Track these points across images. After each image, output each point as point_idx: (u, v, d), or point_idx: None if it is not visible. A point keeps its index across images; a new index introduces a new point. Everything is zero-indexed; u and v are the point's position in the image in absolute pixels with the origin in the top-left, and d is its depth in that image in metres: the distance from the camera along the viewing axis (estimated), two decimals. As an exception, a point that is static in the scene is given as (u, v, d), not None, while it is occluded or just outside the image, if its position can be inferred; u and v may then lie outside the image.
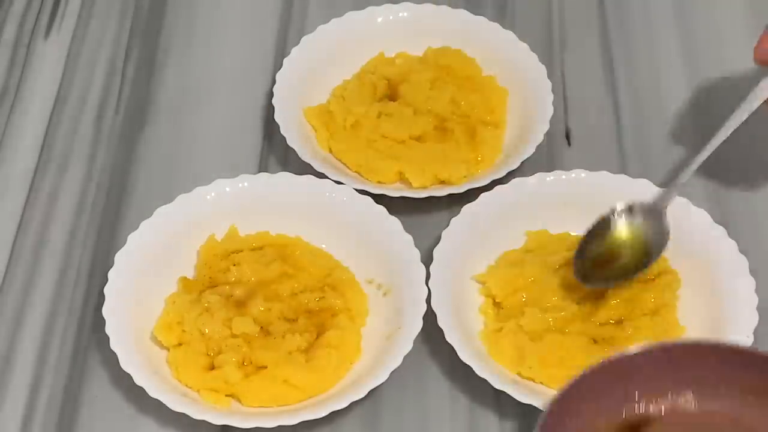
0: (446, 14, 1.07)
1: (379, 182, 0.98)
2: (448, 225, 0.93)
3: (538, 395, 0.84)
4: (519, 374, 0.87)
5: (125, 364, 0.85)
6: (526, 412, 0.85)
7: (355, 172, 0.99)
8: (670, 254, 0.92)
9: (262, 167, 1.01)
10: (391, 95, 1.04)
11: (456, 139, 1.00)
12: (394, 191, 0.96)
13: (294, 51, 1.04)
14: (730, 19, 1.12)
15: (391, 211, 0.93)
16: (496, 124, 1.02)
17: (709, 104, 1.05)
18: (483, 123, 1.01)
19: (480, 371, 0.84)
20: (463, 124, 1.00)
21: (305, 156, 0.97)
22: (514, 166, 0.97)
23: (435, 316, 0.87)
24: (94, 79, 1.07)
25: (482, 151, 0.99)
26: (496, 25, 1.06)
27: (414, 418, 0.87)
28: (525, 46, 1.05)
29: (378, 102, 1.02)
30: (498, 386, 0.84)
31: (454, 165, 0.98)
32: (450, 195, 0.96)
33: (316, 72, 1.04)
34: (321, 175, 0.95)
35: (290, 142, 0.98)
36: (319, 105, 1.03)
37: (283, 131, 0.98)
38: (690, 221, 0.93)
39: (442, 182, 0.98)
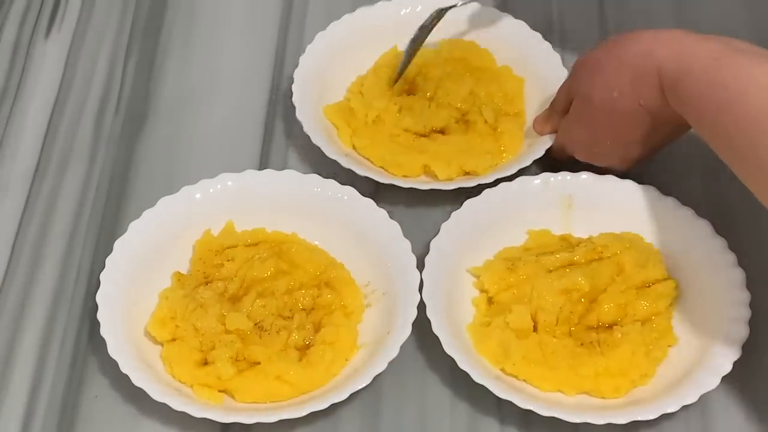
0: (457, 6, 1.06)
1: (404, 176, 0.98)
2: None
3: (519, 392, 0.84)
4: (503, 370, 0.87)
5: (113, 352, 0.85)
6: (528, 418, 0.84)
7: (380, 167, 0.99)
8: (672, 264, 0.92)
9: (263, 166, 1.00)
10: (409, 89, 1.04)
11: (478, 131, 1.00)
12: (424, 184, 0.96)
13: (309, 48, 1.04)
14: (729, 18, 1.11)
15: (405, 204, 0.95)
16: (515, 113, 1.02)
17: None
18: (503, 113, 1.02)
19: (462, 364, 0.85)
20: (484, 115, 1.01)
21: (331, 153, 0.97)
22: (539, 155, 0.97)
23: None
24: (94, 79, 1.07)
25: (504, 141, 1.00)
26: (508, 15, 1.06)
27: (414, 421, 0.87)
28: (538, 35, 1.05)
29: (397, 96, 1.03)
30: (478, 380, 0.84)
31: (479, 156, 0.98)
32: (460, 188, 0.96)
33: (330, 69, 1.04)
34: (349, 172, 0.95)
35: (315, 140, 0.97)
36: (339, 102, 1.03)
37: (306, 130, 0.98)
38: (693, 232, 0.92)
39: (467, 173, 0.98)
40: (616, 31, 1.11)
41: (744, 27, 1.10)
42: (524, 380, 0.87)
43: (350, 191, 0.94)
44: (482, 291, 0.92)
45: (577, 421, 0.83)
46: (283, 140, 0.99)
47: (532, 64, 1.04)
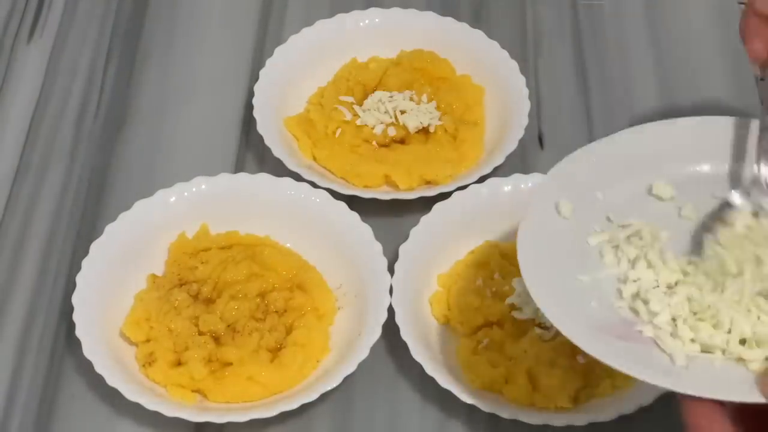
0: (415, 17, 1.08)
1: (365, 186, 0.99)
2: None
3: (483, 397, 0.86)
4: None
5: (88, 352, 0.86)
6: (496, 421, 0.85)
7: (341, 178, 1.00)
8: None
9: (239, 170, 1.01)
10: None
11: (438, 140, 1.01)
12: (385, 194, 0.97)
13: (268, 62, 1.05)
14: (701, 24, 1.13)
15: (375, 215, 0.95)
16: (475, 122, 1.03)
17: (679, 108, 1.06)
18: (463, 122, 1.02)
19: (428, 370, 0.85)
20: (444, 124, 1.01)
21: (292, 166, 0.98)
22: (499, 162, 0.98)
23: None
24: (75, 83, 1.08)
25: (464, 150, 1.01)
26: (465, 25, 1.08)
27: (384, 422, 0.88)
28: (495, 43, 1.06)
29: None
30: (444, 385, 0.85)
31: (439, 165, 0.99)
32: (434, 195, 0.96)
33: (291, 81, 1.05)
34: (312, 184, 0.96)
35: (276, 153, 0.98)
36: (299, 114, 1.04)
37: (267, 143, 0.99)
38: None
39: (428, 183, 0.99)
40: (589, 36, 1.12)
41: (714, 31, 1.12)
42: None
43: (323, 194, 0.95)
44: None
45: (538, 423, 0.84)
46: (258, 144, 1.00)
47: (491, 73, 1.05)
